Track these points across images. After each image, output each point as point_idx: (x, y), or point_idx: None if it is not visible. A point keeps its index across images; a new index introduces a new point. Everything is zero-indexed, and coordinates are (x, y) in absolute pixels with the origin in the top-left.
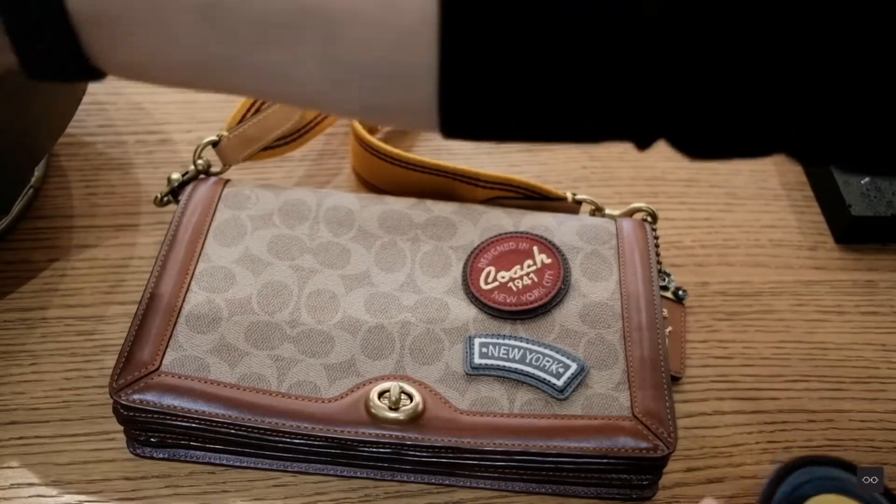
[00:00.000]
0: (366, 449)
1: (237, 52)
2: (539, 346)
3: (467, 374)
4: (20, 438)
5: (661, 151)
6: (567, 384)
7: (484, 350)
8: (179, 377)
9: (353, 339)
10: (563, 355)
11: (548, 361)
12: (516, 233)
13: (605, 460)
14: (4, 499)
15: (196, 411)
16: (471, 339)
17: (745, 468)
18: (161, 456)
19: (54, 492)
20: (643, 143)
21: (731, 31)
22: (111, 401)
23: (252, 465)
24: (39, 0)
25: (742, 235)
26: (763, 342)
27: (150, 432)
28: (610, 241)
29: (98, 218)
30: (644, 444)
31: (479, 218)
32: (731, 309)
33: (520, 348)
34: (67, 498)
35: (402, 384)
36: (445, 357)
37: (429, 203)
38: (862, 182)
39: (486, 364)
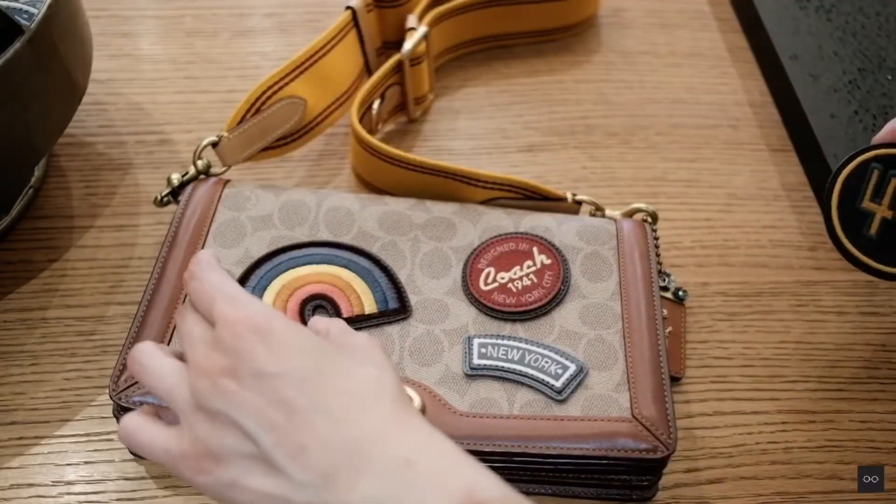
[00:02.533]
0: None
1: None
2: (538, 346)
3: (466, 374)
4: (20, 438)
5: (662, 151)
6: (565, 385)
7: (483, 350)
8: None
9: None
10: (561, 356)
11: (546, 362)
12: (516, 233)
13: (604, 461)
14: (4, 499)
15: None
16: (470, 339)
17: (745, 469)
18: None
19: (54, 492)
20: None
21: None
22: (111, 401)
23: None
24: None
25: (742, 236)
26: (763, 343)
27: None
28: (610, 242)
29: (98, 218)
30: (644, 446)
31: (479, 218)
32: (731, 309)
33: (518, 349)
34: (67, 498)
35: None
36: (445, 358)
37: (429, 204)
38: None
39: (485, 364)
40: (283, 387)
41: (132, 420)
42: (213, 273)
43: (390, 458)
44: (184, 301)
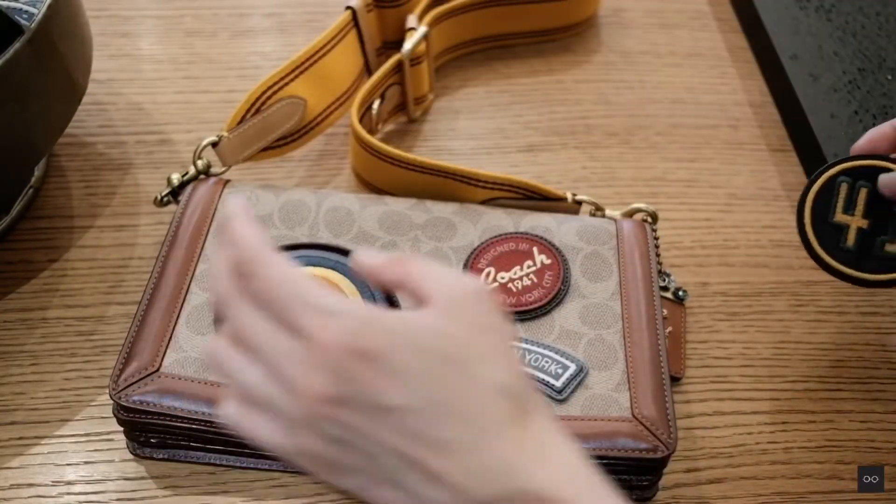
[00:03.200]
0: None
1: None
2: (538, 346)
3: None
4: (20, 438)
5: (662, 151)
6: (566, 385)
7: None
8: (179, 378)
9: None
10: (561, 356)
11: (546, 362)
12: (516, 233)
13: (604, 461)
14: (4, 499)
15: (196, 412)
16: None
17: (745, 469)
18: (161, 456)
19: (54, 492)
20: None
21: None
22: (111, 401)
23: (252, 465)
24: None
25: (742, 236)
26: (763, 343)
27: (149, 433)
28: (610, 242)
29: (98, 218)
30: (644, 446)
31: (479, 218)
32: (731, 309)
33: (518, 349)
34: (67, 498)
35: None
36: None
37: (428, 204)
38: None
39: None
40: (405, 420)
41: (231, 409)
42: (280, 271)
43: (529, 492)
44: (184, 299)
